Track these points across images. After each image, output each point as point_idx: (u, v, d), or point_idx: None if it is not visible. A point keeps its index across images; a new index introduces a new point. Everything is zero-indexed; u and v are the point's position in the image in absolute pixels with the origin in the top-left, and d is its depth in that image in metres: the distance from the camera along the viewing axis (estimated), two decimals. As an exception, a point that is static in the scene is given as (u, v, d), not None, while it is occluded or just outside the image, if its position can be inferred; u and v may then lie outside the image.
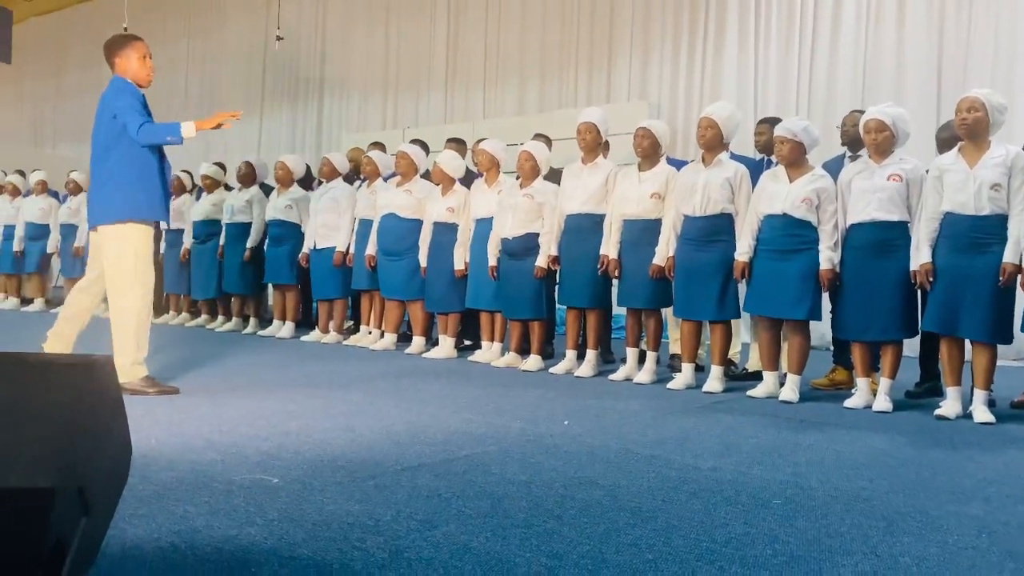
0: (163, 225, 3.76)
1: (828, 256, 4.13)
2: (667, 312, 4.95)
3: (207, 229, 7.25)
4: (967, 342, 3.89)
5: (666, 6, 8.45)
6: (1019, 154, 3.76)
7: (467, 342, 5.96)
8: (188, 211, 7.50)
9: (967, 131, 3.80)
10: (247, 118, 12.22)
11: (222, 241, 7.10)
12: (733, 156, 4.85)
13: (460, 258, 5.50)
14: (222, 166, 7.70)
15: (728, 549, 1.93)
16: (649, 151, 4.72)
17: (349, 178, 6.66)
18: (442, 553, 1.83)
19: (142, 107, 3.87)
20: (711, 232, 4.44)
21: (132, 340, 3.86)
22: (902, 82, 6.97)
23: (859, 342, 4.15)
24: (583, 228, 4.87)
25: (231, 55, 12.55)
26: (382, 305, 6.09)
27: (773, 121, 4.83)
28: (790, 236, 4.20)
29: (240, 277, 7.00)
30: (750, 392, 4.34)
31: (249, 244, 6.91)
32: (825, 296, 4.34)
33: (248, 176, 7.11)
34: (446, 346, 5.62)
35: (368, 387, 4.26)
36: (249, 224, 6.95)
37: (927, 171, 4.00)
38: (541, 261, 5.00)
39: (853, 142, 4.59)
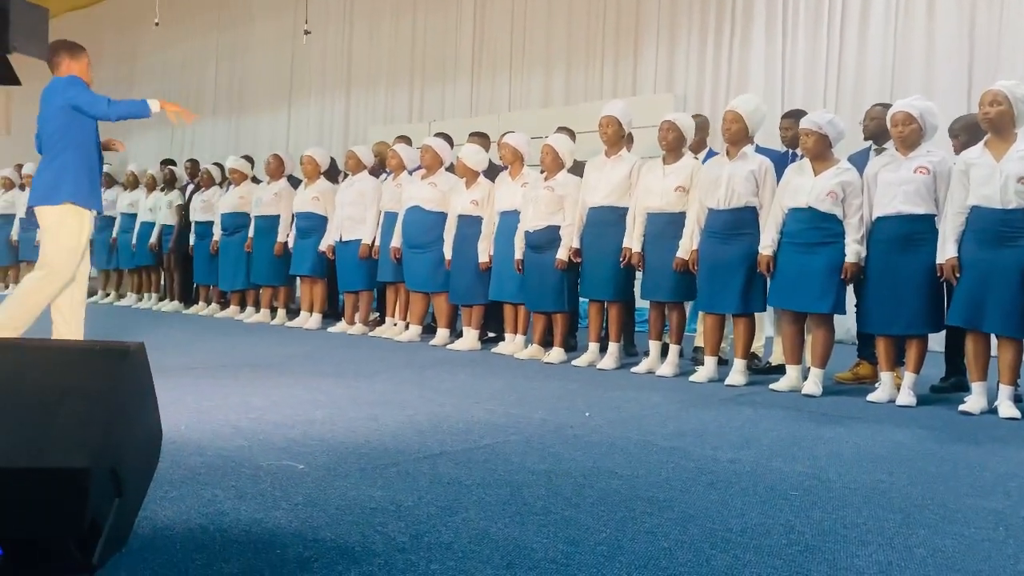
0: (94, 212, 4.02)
1: (854, 250, 4.12)
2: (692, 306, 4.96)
3: (235, 221, 7.36)
4: (993, 337, 3.86)
5: (693, -3, 8.41)
6: (1047, 147, 3.72)
7: (491, 334, 6.01)
8: (217, 203, 7.62)
9: (990, 125, 3.77)
10: (276, 111, 12.38)
11: (251, 233, 7.21)
12: (759, 149, 4.85)
13: (484, 251, 5.55)
14: (250, 159, 7.80)
15: (743, 538, 1.96)
16: (674, 144, 4.73)
17: (375, 171, 6.73)
18: (461, 538, 1.88)
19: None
20: (735, 225, 4.44)
21: (20, 308, 3.92)
22: (932, 74, 6.88)
23: (884, 336, 4.13)
24: (605, 221, 4.88)
25: (260, 49, 12.67)
26: (407, 297, 6.16)
27: (798, 114, 4.81)
28: (815, 229, 4.19)
29: (268, 268, 7.10)
30: (772, 386, 4.34)
31: (280, 238, 7.00)
32: (851, 290, 4.32)
33: (276, 169, 7.20)
34: (470, 338, 5.67)
35: (392, 377, 4.32)
36: (277, 216, 7.04)
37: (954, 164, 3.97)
38: (562, 254, 5.03)
39: (877, 136, 4.56)
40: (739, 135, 4.47)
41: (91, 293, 9.33)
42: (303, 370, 4.48)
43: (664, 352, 4.83)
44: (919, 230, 3.98)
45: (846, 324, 5.77)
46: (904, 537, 2.01)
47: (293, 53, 12.04)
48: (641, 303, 5.41)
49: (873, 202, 4.11)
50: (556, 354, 5.13)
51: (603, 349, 5.04)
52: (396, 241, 6.05)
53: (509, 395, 3.91)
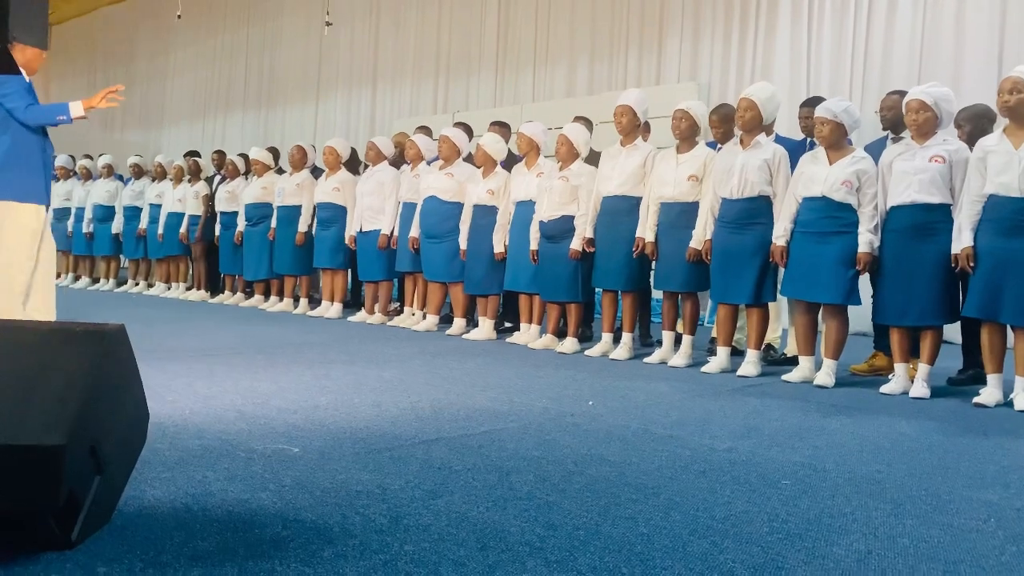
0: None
1: (868, 239, 4.06)
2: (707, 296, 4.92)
3: (259, 212, 7.46)
4: (1009, 328, 3.79)
5: (717, -14, 8.32)
6: (1067, 134, 3.64)
7: (508, 324, 6.02)
8: (241, 194, 7.72)
9: (1009, 112, 3.69)
10: (304, 104, 12.49)
11: (273, 223, 7.29)
12: (778, 138, 4.80)
13: (499, 241, 5.56)
14: (273, 150, 7.89)
15: (724, 526, 1.95)
16: (687, 133, 4.69)
17: (396, 162, 6.76)
18: (440, 521, 1.90)
19: (27, 92, 3.97)
20: (749, 215, 4.40)
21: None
22: (960, 62, 6.75)
23: (898, 327, 4.07)
24: (619, 210, 4.87)
25: (288, 43, 12.81)
26: (425, 287, 6.20)
27: (817, 102, 4.72)
28: (829, 218, 4.13)
29: (291, 258, 7.19)
30: (785, 376, 4.30)
31: (301, 228, 7.08)
32: (867, 281, 4.26)
33: (299, 160, 7.28)
34: (485, 328, 5.69)
35: (403, 366, 4.36)
36: (299, 207, 7.12)
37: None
38: (576, 243, 5.02)
39: (895, 124, 4.49)
40: (753, 123, 4.42)
41: (121, 282, 9.55)
42: (316, 358, 4.54)
43: (678, 342, 4.81)
44: (933, 219, 3.92)
45: (865, 315, 5.69)
46: (889, 527, 1.99)
47: (321, 47, 12.15)
48: (657, 293, 5.40)
49: (888, 191, 4.05)
50: (569, 344, 5.13)
51: (618, 340, 5.03)
52: (414, 231, 6.08)
53: (515, 384, 3.92)
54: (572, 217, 5.07)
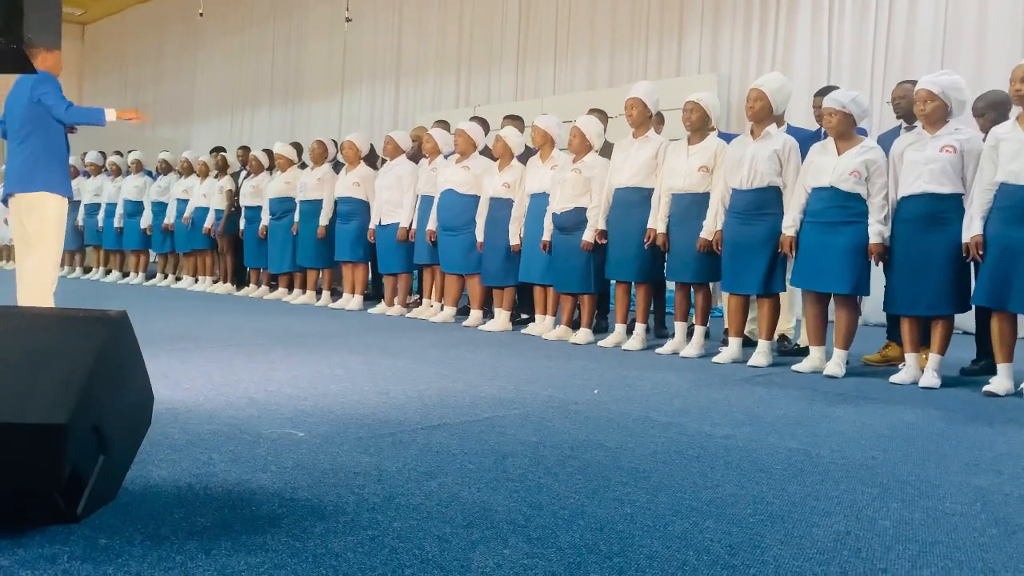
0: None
1: (877, 230, 4.06)
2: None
3: (282, 206, 7.58)
4: (1020, 317, 3.77)
5: (738, -24, 8.28)
6: (1078, 122, 3.61)
7: (524, 316, 6.08)
8: (265, 189, 7.85)
9: (1021, 101, 3.67)
10: (329, 99, 12.64)
11: (296, 217, 7.42)
12: (792, 129, 4.79)
13: (515, 233, 5.61)
14: (297, 145, 8.01)
15: (709, 507, 2.00)
16: (698, 124, 4.71)
17: (415, 156, 6.84)
18: (431, 501, 1.97)
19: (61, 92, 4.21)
20: (759, 205, 4.41)
21: (47, 295, 4.13)
22: (983, 52, 6.66)
23: (908, 317, 4.07)
24: (630, 202, 4.90)
25: (313, 39, 12.95)
26: (443, 279, 6.27)
27: (830, 92, 4.73)
28: (838, 208, 4.13)
29: (313, 251, 7.31)
30: (795, 366, 4.31)
31: (322, 222, 7.19)
32: (879, 270, 4.26)
33: (320, 155, 7.39)
34: (501, 319, 5.75)
35: (417, 356, 4.43)
36: (320, 201, 7.23)
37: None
38: (588, 235, 5.06)
39: (908, 114, 4.46)
40: (763, 113, 4.43)
41: (151, 276, 9.75)
42: (332, 348, 4.63)
43: (691, 333, 4.83)
44: (944, 209, 3.90)
45: (880, 306, 5.66)
46: (873, 510, 2.02)
47: (345, 43, 12.27)
48: (671, 284, 5.42)
49: (898, 181, 4.04)
50: (582, 335, 5.18)
51: (631, 331, 5.06)
52: (432, 224, 6.16)
53: (525, 373, 3.98)
54: (585, 209, 5.11)
